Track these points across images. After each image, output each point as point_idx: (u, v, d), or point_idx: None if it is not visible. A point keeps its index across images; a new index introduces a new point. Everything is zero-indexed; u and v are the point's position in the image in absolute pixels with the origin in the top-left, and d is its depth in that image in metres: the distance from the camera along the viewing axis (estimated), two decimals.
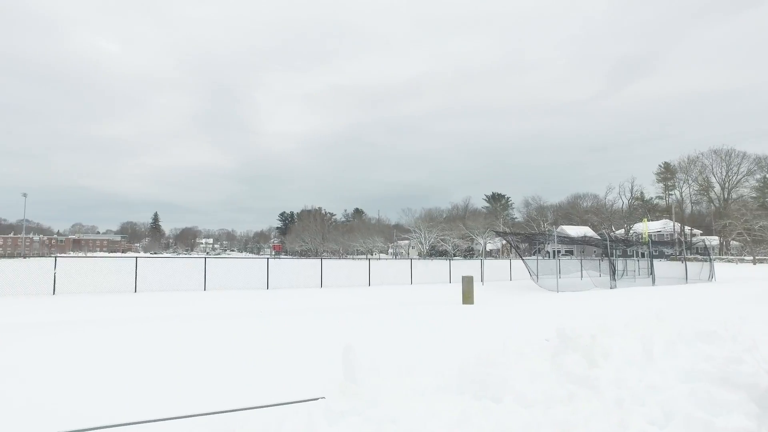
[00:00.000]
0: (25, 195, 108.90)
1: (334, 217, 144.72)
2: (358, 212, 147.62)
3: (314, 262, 31.79)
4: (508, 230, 77.02)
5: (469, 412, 2.96)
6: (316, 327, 9.09)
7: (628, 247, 34.64)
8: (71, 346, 6.99)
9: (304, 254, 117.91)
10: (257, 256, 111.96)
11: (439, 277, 28.19)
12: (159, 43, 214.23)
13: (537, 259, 21.15)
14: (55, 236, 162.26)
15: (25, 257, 76.06)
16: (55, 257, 22.20)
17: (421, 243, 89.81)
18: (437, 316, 10.95)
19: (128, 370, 5.57)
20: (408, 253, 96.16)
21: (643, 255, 32.70)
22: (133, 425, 3.21)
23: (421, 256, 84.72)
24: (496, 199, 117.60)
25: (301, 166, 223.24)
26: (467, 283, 14.99)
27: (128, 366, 5.75)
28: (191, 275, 23.91)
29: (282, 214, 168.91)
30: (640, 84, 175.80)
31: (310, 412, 2.93)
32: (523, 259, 26.34)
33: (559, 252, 21.72)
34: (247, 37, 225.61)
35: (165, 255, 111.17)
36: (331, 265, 35.23)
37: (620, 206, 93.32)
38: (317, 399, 3.26)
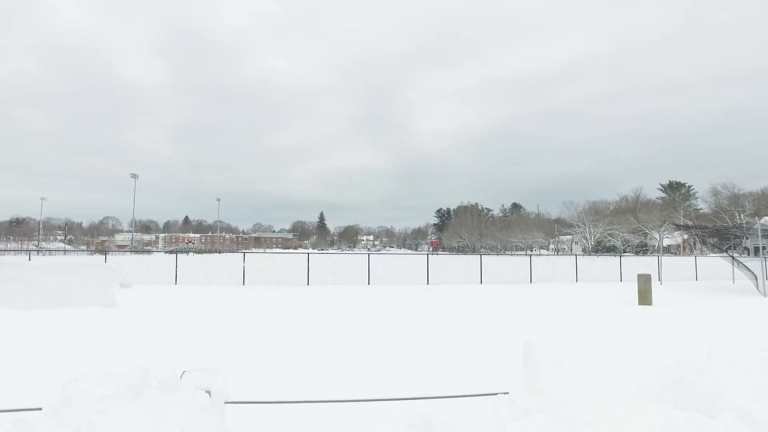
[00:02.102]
0: (218, 200, 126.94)
1: (490, 212, 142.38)
2: (515, 207, 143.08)
3: (472, 258, 31.60)
4: (691, 223, 67.49)
5: (675, 422, 2.63)
6: (482, 322, 8.99)
7: None
8: (266, 330, 7.91)
9: (461, 250, 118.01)
10: (415, 252, 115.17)
11: (608, 275, 25.97)
12: (319, 55, 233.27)
13: (765, 257, 17.87)
14: (241, 234, 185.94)
15: (219, 252, 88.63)
16: (243, 253, 25.48)
17: (585, 238, 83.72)
18: (612, 316, 10.07)
19: (328, 354, 6.11)
20: (571, 249, 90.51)
21: None
22: (342, 403, 3.50)
23: (585, 252, 79.05)
24: (674, 188, 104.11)
25: (456, 163, 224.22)
26: (644, 281, 13.50)
27: (327, 351, 6.31)
28: (355, 270, 25.53)
29: (438, 211, 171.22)
30: None
31: (496, 405, 2.88)
32: (733, 257, 22.24)
33: (764, 248, 18.28)
34: (398, 40, 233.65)
35: (331, 251, 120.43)
36: (490, 261, 34.70)
37: None
38: (498, 394, 3.19)
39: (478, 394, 3.25)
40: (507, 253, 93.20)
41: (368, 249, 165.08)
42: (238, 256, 24.81)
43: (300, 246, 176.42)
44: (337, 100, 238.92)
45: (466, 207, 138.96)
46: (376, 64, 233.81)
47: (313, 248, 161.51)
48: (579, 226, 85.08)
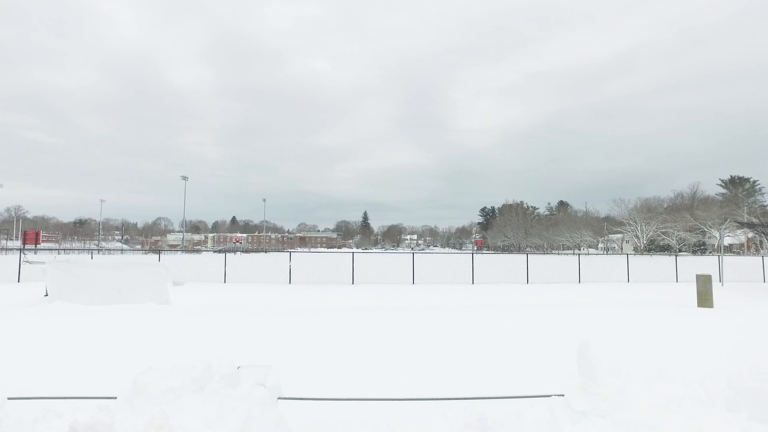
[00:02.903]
0: (264, 200, 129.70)
1: (536, 210, 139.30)
2: (562, 205, 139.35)
3: (518, 258, 31.00)
4: (756, 220, 63.50)
5: None
6: (530, 322, 8.79)
7: None
8: (314, 327, 8.03)
9: (506, 249, 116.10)
10: (459, 251, 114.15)
11: (662, 275, 24.85)
12: (361, 55, 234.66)
13: None
14: (286, 234, 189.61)
15: (266, 252, 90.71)
16: (290, 252, 25.96)
17: (636, 237, 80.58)
18: (669, 318, 9.63)
19: (377, 352, 6.14)
20: (621, 248, 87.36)
21: None
22: (395, 401, 3.50)
23: (637, 251, 76.12)
24: (736, 183, 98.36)
25: (500, 160, 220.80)
26: (703, 282, 12.82)
27: (375, 349, 6.34)
28: (400, 269, 25.52)
29: (483, 210, 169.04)
30: None
31: (551, 407, 2.80)
32: None
33: None
34: (440, 37, 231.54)
35: (374, 251, 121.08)
36: (536, 260, 33.96)
37: None
38: (551, 395, 3.09)
39: (532, 395, 3.17)
40: (554, 252, 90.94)
41: (412, 248, 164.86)
42: (284, 255, 25.40)
43: (344, 245, 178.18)
44: (379, 100, 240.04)
45: (511, 205, 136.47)
46: (418, 63, 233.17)
47: (357, 248, 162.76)
48: (630, 225, 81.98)
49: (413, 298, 15.27)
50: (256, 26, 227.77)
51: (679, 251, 70.25)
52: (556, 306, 12.08)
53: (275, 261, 34.13)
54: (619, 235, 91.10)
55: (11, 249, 42.18)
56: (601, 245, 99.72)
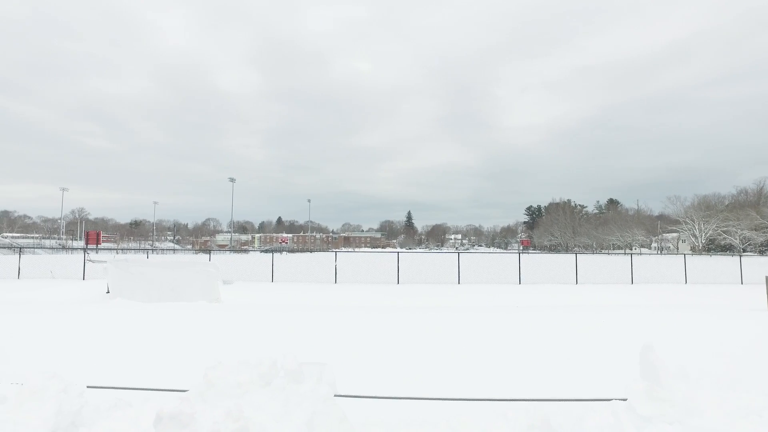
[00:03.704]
0: (309, 201, 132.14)
1: (584, 209, 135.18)
2: (612, 203, 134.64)
3: (566, 257, 30.16)
4: None
5: None
6: (584, 323, 8.50)
7: None
8: (362, 326, 8.06)
9: (553, 249, 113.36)
10: (505, 251, 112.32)
11: (725, 277, 23.54)
12: (403, 55, 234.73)
13: None
14: (331, 234, 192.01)
15: (311, 252, 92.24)
16: (335, 252, 26.26)
17: (694, 236, 76.85)
18: (738, 323, 9.09)
19: (425, 350, 6.11)
20: (677, 248, 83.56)
21: None
22: (453, 401, 3.46)
23: (695, 250, 72.60)
24: None
25: (546, 158, 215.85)
26: None
27: (423, 348, 6.31)
28: (445, 269, 25.34)
29: (528, 208, 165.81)
30: None
31: (615, 412, 2.68)
32: None
33: None
34: (482, 34, 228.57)
35: (418, 250, 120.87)
36: (585, 260, 32.94)
37: None
38: (613, 399, 2.96)
39: (593, 398, 3.05)
40: (603, 252, 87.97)
41: (456, 248, 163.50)
42: (329, 255, 25.79)
43: (388, 245, 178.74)
44: (421, 99, 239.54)
45: (557, 204, 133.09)
46: (460, 61, 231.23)
47: (401, 247, 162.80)
48: (686, 223, 78.31)
49: (460, 298, 15.10)
50: (298, 30, 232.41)
51: (743, 251, 66.45)
52: (609, 307, 11.66)
53: (320, 261, 34.63)
54: (674, 234, 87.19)
55: (76, 249, 44.76)
56: (654, 245, 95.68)
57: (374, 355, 5.93)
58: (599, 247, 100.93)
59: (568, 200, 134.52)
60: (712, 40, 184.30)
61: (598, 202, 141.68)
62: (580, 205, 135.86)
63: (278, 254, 44.55)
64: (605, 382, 4.50)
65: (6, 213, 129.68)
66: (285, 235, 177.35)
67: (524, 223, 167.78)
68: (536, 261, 35.11)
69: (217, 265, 14.21)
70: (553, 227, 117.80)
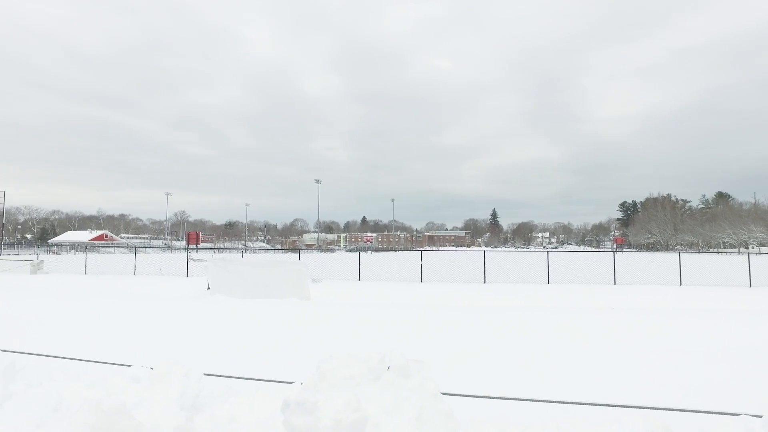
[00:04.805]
0: (393, 200, 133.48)
1: (687, 204, 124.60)
2: (721, 196, 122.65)
3: (667, 256, 28.05)
4: None
5: None
6: (694, 328, 7.82)
7: None
8: (451, 325, 8.04)
9: (651, 247, 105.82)
10: (597, 249, 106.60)
11: None
12: (483, 49, 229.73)
13: None
14: (415, 233, 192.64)
15: (395, 251, 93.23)
16: (421, 251, 26.36)
17: None
18: None
19: (519, 351, 6.00)
20: None
21: None
22: (557, 404, 3.38)
23: None
24: None
25: (641, 150, 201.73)
26: None
27: (517, 349, 6.20)
28: (533, 268, 24.56)
29: (623, 204, 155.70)
30: None
31: (749, 429, 2.45)
32: None
33: None
34: (566, 21, 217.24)
35: (504, 249, 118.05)
36: (690, 259, 30.44)
37: None
38: (742, 414, 2.70)
39: (719, 411, 2.82)
40: (711, 250, 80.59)
41: (544, 246, 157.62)
42: (414, 254, 25.91)
43: (473, 244, 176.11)
44: (504, 94, 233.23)
45: (656, 199, 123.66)
46: (542, 51, 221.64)
47: (486, 246, 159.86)
48: None
49: (550, 298, 14.58)
50: (377, 31, 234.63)
51: None
52: (721, 311, 10.66)
53: (405, 259, 34.87)
54: None
55: (179, 248, 48.86)
56: None
57: (467, 354, 5.88)
58: (706, 245, 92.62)
59: (668, 194, 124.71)
60: None
61: (704, 195, 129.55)
62: (682, 199, 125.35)
63: (363, 253, 45.52)
64: (728, 395, 4.13)
65: (123, 216, 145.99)
66: (370, 234, 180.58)
67: (618, 219, 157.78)
68: (632, 260, 32.98)
69: (307, 264, 14.82)
70: (651, 224, 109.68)
